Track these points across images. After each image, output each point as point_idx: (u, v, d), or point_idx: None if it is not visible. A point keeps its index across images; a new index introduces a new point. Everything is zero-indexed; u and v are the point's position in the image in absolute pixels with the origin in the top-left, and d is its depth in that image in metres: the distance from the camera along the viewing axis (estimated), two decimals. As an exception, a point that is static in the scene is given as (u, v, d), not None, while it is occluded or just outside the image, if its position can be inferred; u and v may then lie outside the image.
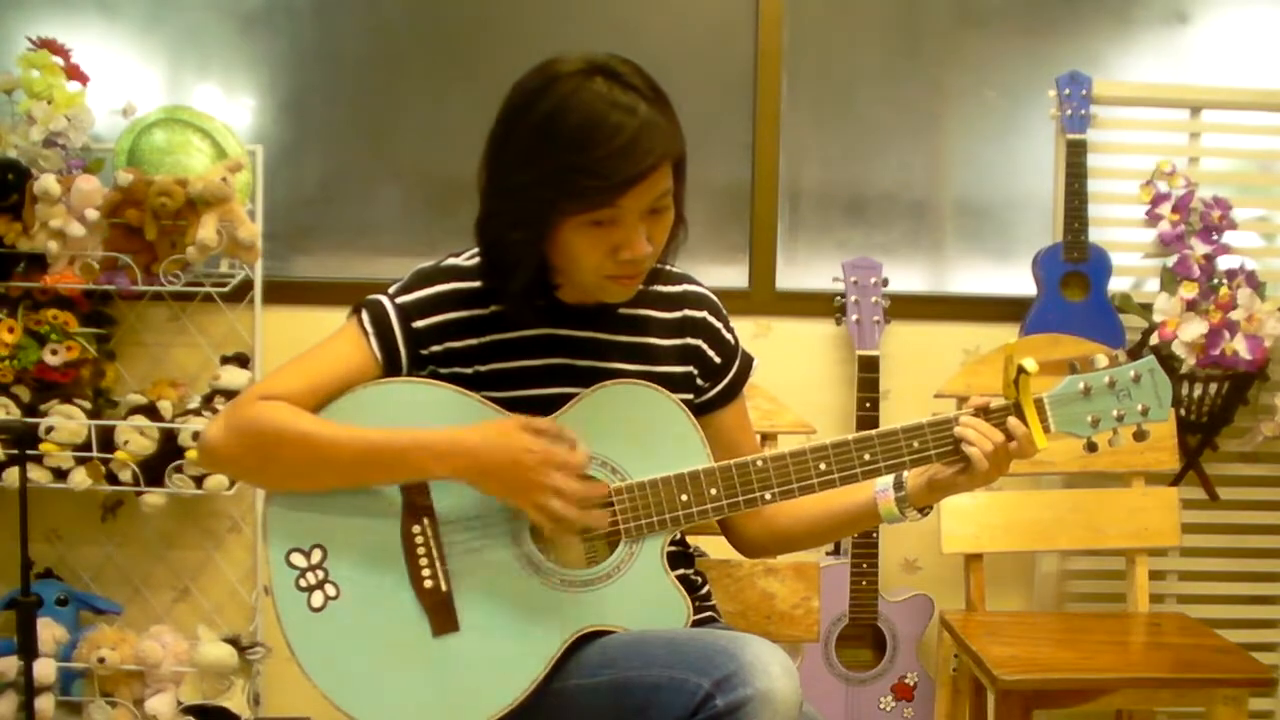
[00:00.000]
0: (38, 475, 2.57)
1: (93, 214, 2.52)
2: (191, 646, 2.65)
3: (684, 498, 1.54)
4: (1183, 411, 2.78)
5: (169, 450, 2.60)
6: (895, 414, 2.85)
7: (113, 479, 2.62)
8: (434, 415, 1.52)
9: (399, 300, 1.57)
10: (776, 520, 1.72)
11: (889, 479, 1.62)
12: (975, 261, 3.11)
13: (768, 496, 1.55)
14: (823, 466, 1.55)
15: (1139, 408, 1.59)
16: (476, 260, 1.59)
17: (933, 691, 2.80)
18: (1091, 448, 1.60)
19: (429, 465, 1.48)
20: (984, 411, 1.56)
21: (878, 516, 1.64)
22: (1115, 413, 1.58)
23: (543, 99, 1.43)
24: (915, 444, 1.56)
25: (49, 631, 2.62)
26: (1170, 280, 2.79)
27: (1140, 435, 1.59)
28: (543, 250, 1.50)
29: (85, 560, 2.87)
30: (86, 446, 2.57)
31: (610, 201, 1.43)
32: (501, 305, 1.57)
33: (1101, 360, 1.59)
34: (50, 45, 2.62)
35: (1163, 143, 2.96)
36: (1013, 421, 1.54)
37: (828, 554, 2.85)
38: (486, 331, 1.57)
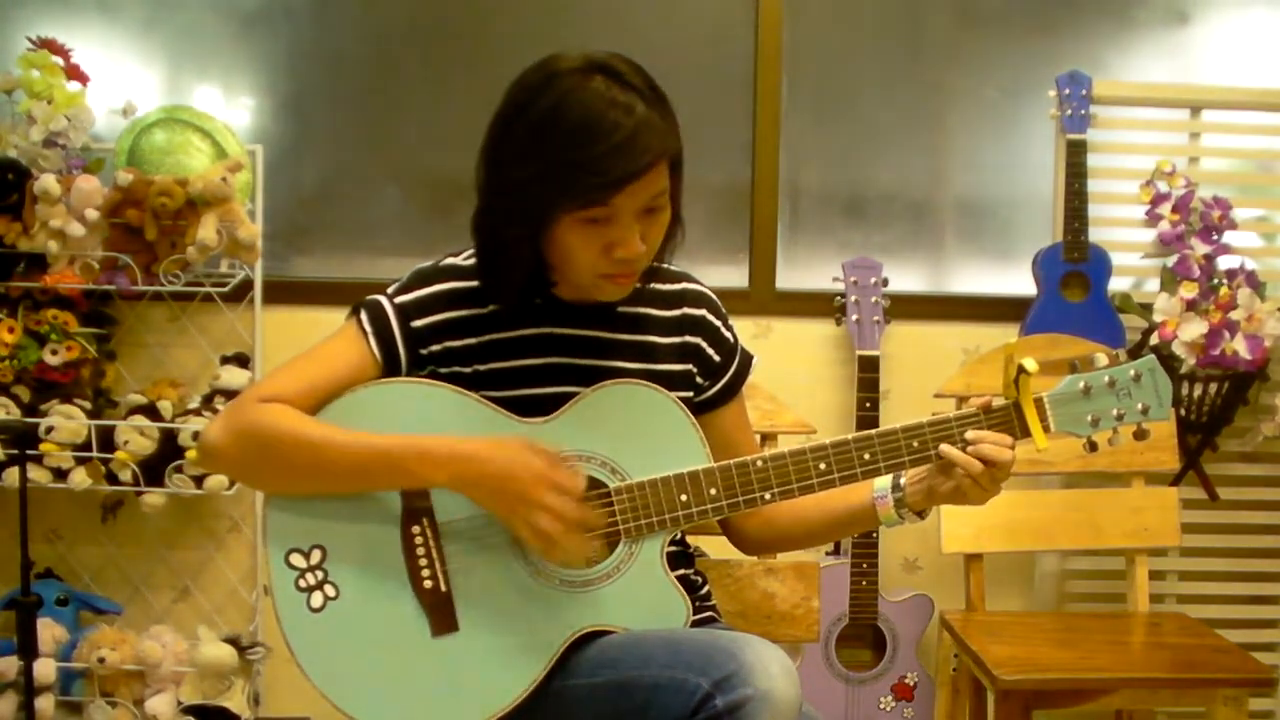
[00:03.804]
0: (38, 475, 2.56)
1: (93, 214, 2.52)
2: (191, 646, 2.65)
3: (684, 498, 1.54)
4: (1183, 411, 2.78)
5: (169, 450, 2.60)
6: (895, 414, 2.85)
7: (113, 479, 2.62)
8: (433, 415, 1.52)
9: (398, 300, 1.57)
10: (776, 519, 1.72)
11: (887, 483, 1.62)
12: (975, 261, 3.11)
13: (767, 496, 1.55)
14: (822, 466, 1.55)
15: (1139, 407, 1.58)
16: (475, 260, 1.59)
17: (933, 691, 2.80)
18: (1092, 447, 1.60)
19: (424, 471, 1.47)
20: (985, 410, 1.56)
21: (875, 520, 1.64)
22: (1115, 412, 1.58)
23: (542, 96, 1.43)
24: (915, 444, 1.56)
25: (49, 631, 2.62)
26: (1170, 280, 2.79)
27: (1140, 434, 1.59)
28: (539, 247, 1.50)
29: (85, 560, 2.87)
30: (86, 446, 2.57)
31: (606, 199, 1.43)
32: (497, 303, 1.57)
33: (1101, 359, 1.59)
34: (50, 45, 2.62)
35: (1163, 143, 2.96)
36: (989, 450, 1.53)
37: (828, 554, 2.85)
38: (485, 331, 1.57)
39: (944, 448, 1.54)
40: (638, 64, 1.48)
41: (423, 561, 1.51)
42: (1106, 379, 1.58)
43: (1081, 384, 1.57)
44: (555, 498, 1.44)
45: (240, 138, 2.74)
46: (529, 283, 1.55)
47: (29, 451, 2.45)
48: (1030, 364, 1.53)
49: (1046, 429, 1.57)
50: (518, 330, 1.58)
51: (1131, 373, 1.58)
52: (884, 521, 1.63)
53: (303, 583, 1.50)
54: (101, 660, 2.58)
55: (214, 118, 2.69)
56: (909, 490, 1.60)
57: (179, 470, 2.59)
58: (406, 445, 1.48)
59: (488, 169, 1.50)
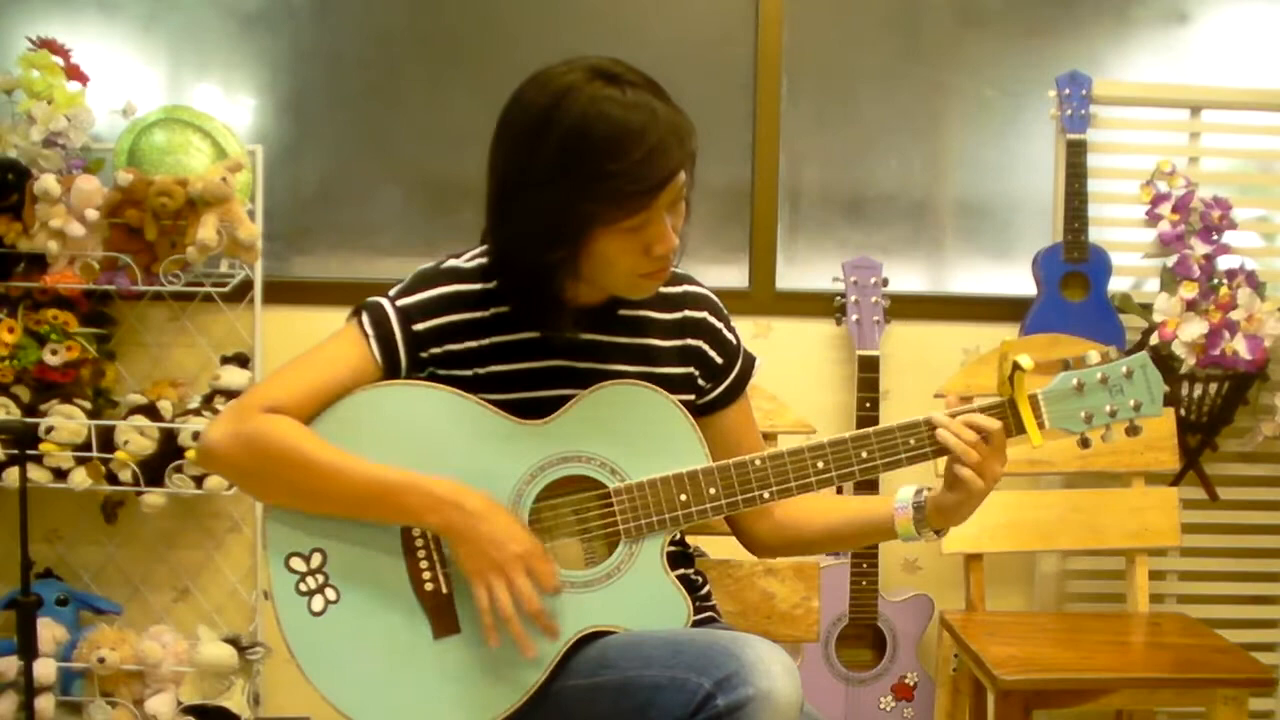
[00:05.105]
0: (38, 475, 2.56)
1: (93, 214, 2.52)
2: (191, 646, 2.65)
3: (683, 497, 1.54)
4: (1183, 411, 2.78)
5: (169, 450, 2.60)
6: (895, 414, 2.83)
7: (113, 479, 2.62)
8: (432, 418, 1.52)
9: (399, 303, 1.56)
10: (787, 523, 1.72)
11: (909, 497, 1.61)
12: (975, 261, 3.11)
13: (766, 495, 1.55)
14: (820, 465, 1.55)
15: (1131, 403, 1.58)
16: (477, 262, 1.59)
17: (933, 691, 2.80)
18: (1085, 444, 1.60)
19: (421, 509, 1.47)
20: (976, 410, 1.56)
21: (893, 532, 1.62)
22: (1108, 408, 1.58)
23: (560, 115, 1.41)
24: (912, 441, 1.56)
25: (49, 631, 2.62)
26: (1170, 280, 2.79)
27: (1133, 431, 1.59)
28: (579, 263, 1.49)
29: (85, 560, 2.87)
30: (86, 446, 2.57)
31: (649, 204, 1.43)
32: (526, 317, 1.56)
33: (1094, 357, 1.59)
34: (50, 45, 2.62)
35: (1163, 143, 2.96)
36: (979, 419, 1.54)
37: (828, 554, 2.85)
38: (487, 334, 1.57)
39: (940, 433, 1.53)
40: (628, 63, 1.47)
41: (423, 564, 1.51)
42: (1099, 376, 1.58)
43: (1074, 381, 1.57)
44: (526, 582, 1.45)
45: (240, 138, 2.75)
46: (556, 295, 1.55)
47: (29, 451, 2.45)
48: (1025, 361, 1.53)
49: (1041, 426, 1.57)
50: (518, 334, 1.57)
51: (1124, 369, 1.59)
52: (901, 535, 1.61)
53: (303, 586, 1.50)
54: (101, 660, 2.58)
55: (214, 118, 2.69)
56: (929, 507, 1.59)
57: (179, 470, 2.59)
58: (408, 481, 1.48)
59: (513, 196, 1.48)
